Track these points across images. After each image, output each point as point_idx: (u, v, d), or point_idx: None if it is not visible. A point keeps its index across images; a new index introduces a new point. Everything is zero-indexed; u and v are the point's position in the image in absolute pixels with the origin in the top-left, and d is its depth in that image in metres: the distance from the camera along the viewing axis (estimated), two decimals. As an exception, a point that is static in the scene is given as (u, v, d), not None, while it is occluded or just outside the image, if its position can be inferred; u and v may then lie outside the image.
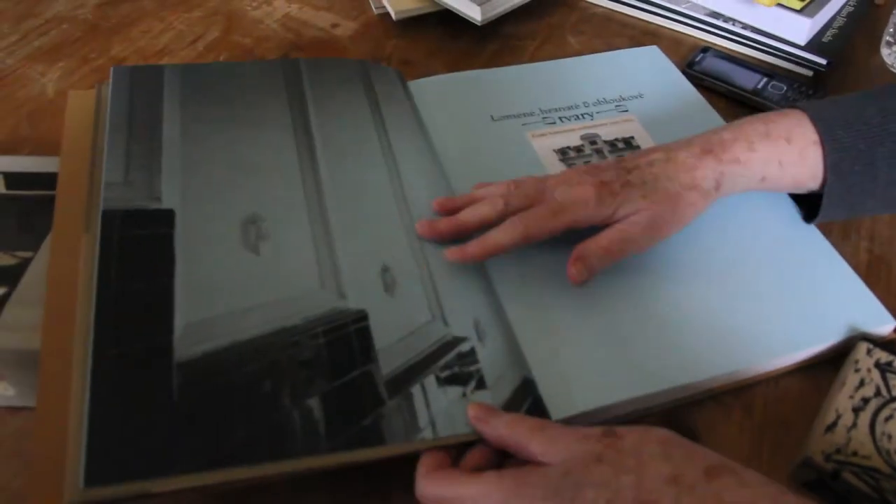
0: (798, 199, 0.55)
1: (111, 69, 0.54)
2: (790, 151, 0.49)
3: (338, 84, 0.58)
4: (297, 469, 0.36)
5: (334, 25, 0.75)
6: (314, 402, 0.38)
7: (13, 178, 0.50)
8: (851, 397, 0.44)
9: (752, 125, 0.50)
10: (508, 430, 0.37)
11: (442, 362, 0.42)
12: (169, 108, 0.52)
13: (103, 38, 0.71)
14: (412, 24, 0.74)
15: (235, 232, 0.45)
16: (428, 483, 0.37)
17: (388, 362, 0.41)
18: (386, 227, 0.49)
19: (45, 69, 0.67)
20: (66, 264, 0.43)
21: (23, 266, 0.45)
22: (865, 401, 0.44)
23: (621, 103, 0.63)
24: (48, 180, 0.50)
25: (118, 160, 0.47)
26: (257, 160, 0.50)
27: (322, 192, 0.49)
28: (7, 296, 0.43)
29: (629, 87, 0.65)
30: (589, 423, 0.43)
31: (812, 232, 0.53)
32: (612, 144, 0.59)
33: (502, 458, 0.39)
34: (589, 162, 0.57)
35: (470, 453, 0.39)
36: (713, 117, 0.63)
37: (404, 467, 0.38)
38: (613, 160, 0.50)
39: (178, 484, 0.34)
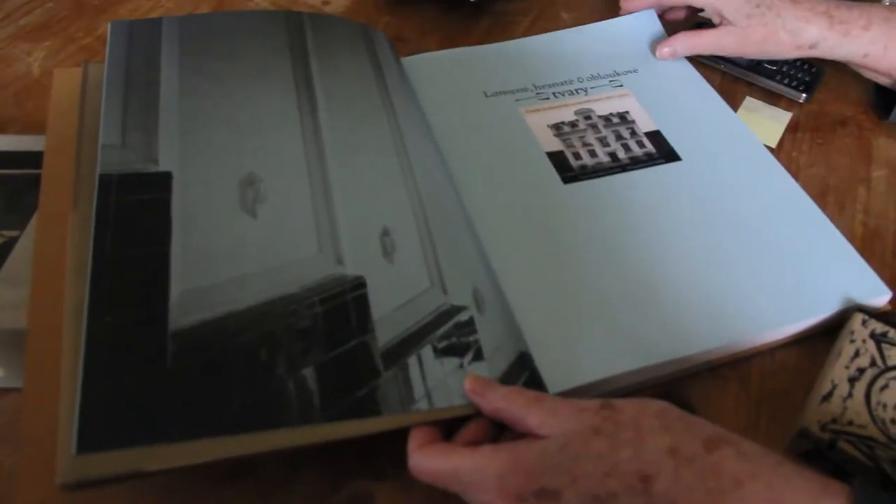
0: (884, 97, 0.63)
1: (109, 24, 0.52)
2: None
3: (341, 42, 0.56)
4: (290, 444, 0.36)
5: (325, 3, 0.74)
6: (309, 373, 0.38)
7: (1, 157, 0.50)
8: (847, 367, 0.44)
9: (879, 10, 0.58)
10: (505, 402, 0.37)
11: (440, 332, 0.41)
12: (167, 62, 0.51)
13: (90, 17, 0.70)
14: (404, 1, 0.73)
15: (233, 194, 0.44)
16: (422, 457, 0.36)
17: (385, 332, 0.40)
18: (388, 188, 0.47)
19: (30, 48, 0.66)
20: (52, 242, 0.42)
21: (8, 245, 0.44)
22: (861, 371, 0.44)
23: (616, 78, 0.63)
24: (35, 159, 0.50)
25: (115, 120, 0.46)
26: (257, 115, 0.49)
27: (323, 149, 0.48)
28: (-6, 275, 0.43)
29: (623, 61, 0.65)
30: (586, 396, 0.43)
31: (808, 204, 0.53)
32: (606, 119, 0.58)
33: (497, 434, 0.39)
34: (584, 137, 0.56)
35: (465, 428, 0.38)
36: (708, 91, 0.62)
37: (396, 444, 0.38)
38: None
39: (172, 460, 0.34)
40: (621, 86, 0.62)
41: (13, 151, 0.50)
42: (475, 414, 0.39)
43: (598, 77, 0.63)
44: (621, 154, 0.56)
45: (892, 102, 0.61)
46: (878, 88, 0.63)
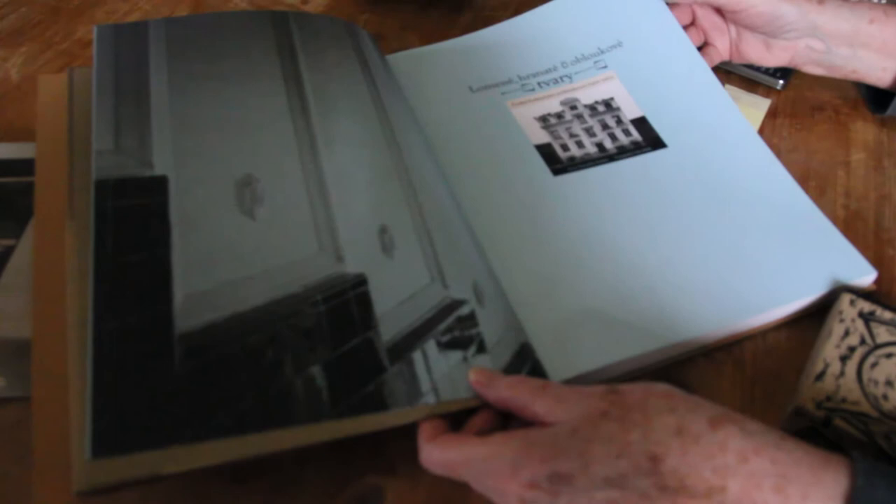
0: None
1: (94, 28, 0.52)
2: None
3: (327, 40, 0.56)
4: (302, 442, 0.36)
5: (305, 1, 0.74)
6: (316, 371, 0.38)
7: (-13, 166, 0.49)
8: (838, 347, 0.45)
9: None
10: (511, 391, 0.38)
11: (442, 326, 0.42)
12: (156, 64, 0.50)
13: (66, 21, 0.69)
14: (383, -1, 0.73)
15: (230, 196, 0.44)
16: (433, 448, 0.37)
17: (389, 328, 0.41)
18: (383, 185, 0.48)
19: (6, 54, 0.65)
20: (51, 250, 0.42)
21: (5, 255, 0.44)
22: (851, 349, 0.45)
23: (600, 58, 0.62)
24: (24, 167, 0.49)
25: (107, 125, 0.46)
26: (248, 116, 0.49)
27: (316, 148, 0.48)
28: (-9, 285, 0.42)
29: (607, 33, 0.64)
30: (587, 384, 0.43)
31: (793, 187, 0.54)
32: (592, 108, 0.59)
33: (504, 424, 0.39)
34: (570, 128, 0.57)
35: (472, 419, 0.39)
36: (694, 57, 0.61)
37: (405, 439, 0.38)
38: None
39: (186, 463, 0.34)
40: (605, 67, 0.62)
41: (1, 160, 0.49)
42: (482, 405, 0.39)
43: (582, 59, 0.62)
44: (608, 144, 0.56)
45: (885, 96, 0.61)
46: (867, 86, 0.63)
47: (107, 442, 0.33)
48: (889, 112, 0.61)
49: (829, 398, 0.43)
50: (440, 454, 0.36)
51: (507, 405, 0.38)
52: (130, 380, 0.36)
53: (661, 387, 0.36)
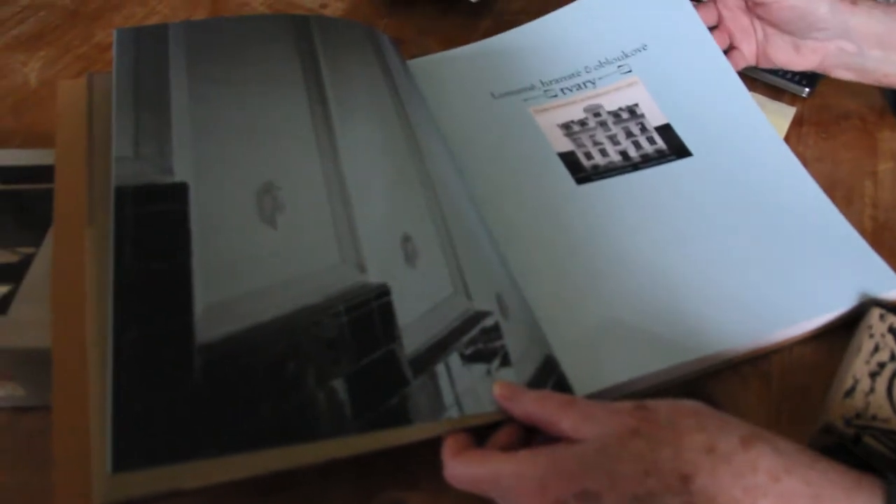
0: None
1: (114, 32, 0.51)
2: None
3: (348, 45, 0.56)
4: (323, 457, 0.36)
5: (323, 6, 0.73)
6: (339, 384, 0.38)
7: (7, 172, 0.49)
8: (867, 363, 0.44)
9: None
10: (537, 406, 0.37)
11: (466, 338, 0.41)
12: (176, 69, 0.50)
13: (84, 25, 0.69)
14: (403, 3, 0.73)
15: (251, 203, 0.44)
16: (459, 464, 0.36)
17: (412, 340, 0.40)
18: (405, 194, 0.47)
19: (26, 59, 0.65)
20: (70, 258, 0.42)
21: (25, 262, 0.44)
22: (881, 365, 0.44)
23: (624, 62, 0.61)
24: (43, 173, 0.49)
25: (127, 131, 0.45)
26: (270, 122, 0.48)
27: (338, 155, 0.48)
28: (12, 294, 0.42)
29: (631, 36, 0.63)
30: (612, 398, 0.43)
31: (820, 197, 0.53)
32: (616, 115, 0.58)
33: (529, 439, 0.39)
34: (594, 136, 0.56)
35: (497, 434, 0.38)
36: (721, 62, 0.60)
37: (428, 452, 0.38)
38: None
39: (208, 477, 0.33)
40: (630, 71, 0.61)
41: (20, 166, 0.49)
42: (506, 420, 0.39)
43: (606, 63, 0.62)
44: (632, 152, 0.56)
45: None
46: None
47: (128, 456, 0.33)
48: None
49: (858, 415, 0.42)
50: (465, 470, 0.36)
51: (532, 420, 0.37)
52: (151, 393, 0.35)
53: (690, 404, 0.36)
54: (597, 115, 0.58)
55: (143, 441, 0.34)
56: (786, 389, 0.46)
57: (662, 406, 0.35)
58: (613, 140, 0.56)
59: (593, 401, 0.37)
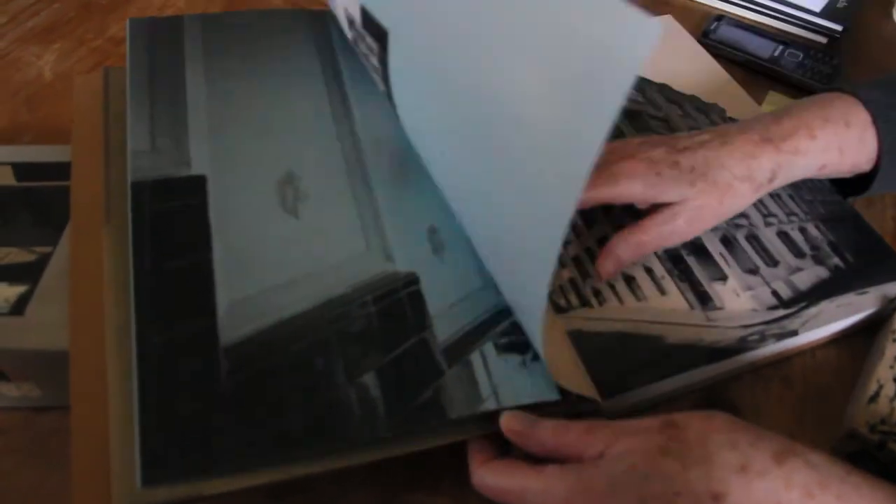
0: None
1: (127, 21, 0.51)
2: (850, 136, 0.47)
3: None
4: (352, 462, 0.35)
5: (337, 0, 0.73)
6: (370, 379, 0.37)
7: (22, 169, 0.48)
8: (891, 367, 0.44)
9: (810, 110, 0.48)
10: (554, 441, 0.35)
11: (499, 329, 0.40)
12: (191, 62, 0.49)
13: (99, 18, 0.69)
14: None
15: (272, 194, 0.43)
16: (488, 473, 0.36)
17: (444, 329, 0.39)
18: (430, 186, 0.46)
19: (40, 51, 0.65)
20: (88, 257, 0.41)
21: (42, 262, 0.43)
22: (906, 370, 0.44)
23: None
24: (60, 170, 0.48)
25: (143, 124, 0.45)
26: (288, 114, 0.48)
27: (359, 144, 0.47)
28: (29, 294, 0.41)
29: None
30: (635, 403, 0.42)
31: (838, 199, 0.53)
32: (634, 117, 0.58)
33: None
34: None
35: None
36: (735, 89, 0.62)
37: (451, 456, 0.37)
38: (664, 137, 0.49)
39: (230, 484, 0.33)
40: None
41: (36, 163, 0.49)
42: None
43: None
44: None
45: (848, 184, 0.53)
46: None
47: (157, 470, 0.32)
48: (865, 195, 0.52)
49: (883, 421, 0.42)
50: (494, 480, 0.35)
51: (551, 454, 0.36)
52: (179, 403, 0.35)
53: (720, 418, 0.34)
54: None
55: (174, 455, 0.33)
56: (808, 394, 0.46)
57: (692, 421, 0.34)
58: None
59: (615, 422, 0.35)
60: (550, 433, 0.36)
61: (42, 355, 0.40)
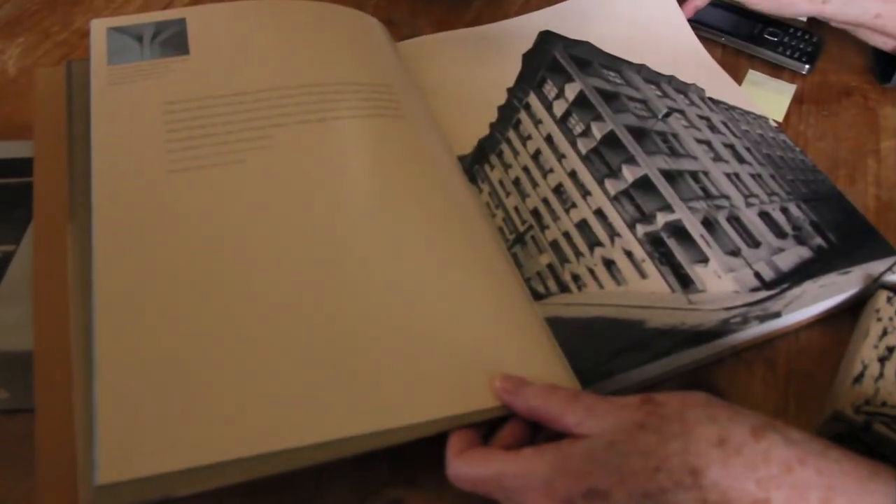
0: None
1: (91, 23, 0.50)
2: None
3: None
4: (321, 459, 0.34)
5: (310, -13, 0.71)
6: None
7: (-16, 166, 0.47)
8: (876, 347, 0.43)
9: None
10: (540, 400, 0.36)
11: None
12: None
13: (63, 11, 0.67)
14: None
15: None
16: (463, 463, 0.35)
17: None
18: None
19: (3, 46, 0.63)
20: (51, 256, 0.40)
21: (5, 261, 0.42)
22: (890, 350, 0.43)
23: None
24: (23, 166, 0.47)
25: None
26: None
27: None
28: (-9, 293, 0.40)
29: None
30: (617, 389, 0.42)
31: (822, 179, 0.52)
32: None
33: (534, 435, 0.37)
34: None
35: (500, 432, 0.37)
36: (714, 67, 0.61)
37: (428, 449, 0.36)
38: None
39: (200, 484, 0.32)
40: None
41: (-1, 159, 0.47)
42: (510, 415, 0.37)
43: None
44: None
45: (892, 67, 0.60)
46: (878, 53, 0.62)
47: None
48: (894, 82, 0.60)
49: (867, 402, 0.41)
50: (469, 470, 0.35)
51: (535, 415, 0.36)
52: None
53: (699, 395, 0.34)
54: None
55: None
56: (792, 376, 0.45)
57: (670, 399, 0.34)
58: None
59: (599, 395, 0.36)
60: (537, 392, 0.36)
61: (7, 357, 0.39)
